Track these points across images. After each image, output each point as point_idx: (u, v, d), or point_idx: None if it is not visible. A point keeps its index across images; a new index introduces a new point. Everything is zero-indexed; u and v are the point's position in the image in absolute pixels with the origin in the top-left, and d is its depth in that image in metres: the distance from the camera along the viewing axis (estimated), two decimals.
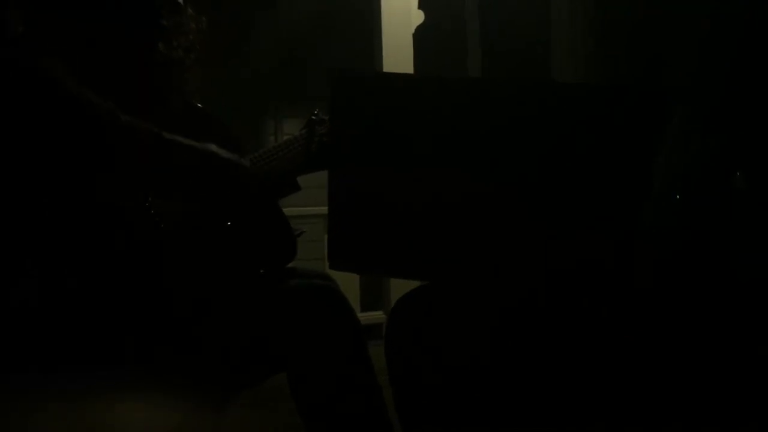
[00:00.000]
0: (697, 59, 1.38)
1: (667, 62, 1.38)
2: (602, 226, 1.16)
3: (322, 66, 5.22)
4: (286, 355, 1.41)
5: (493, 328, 1.28)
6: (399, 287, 1.39)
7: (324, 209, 1.30)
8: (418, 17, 4.16)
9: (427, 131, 1.18)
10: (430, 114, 1.18)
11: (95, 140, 1.26)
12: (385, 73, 3.23)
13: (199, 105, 1.58)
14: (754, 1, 1.27)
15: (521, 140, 1.16)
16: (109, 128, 1.26)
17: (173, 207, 1.39)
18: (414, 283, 1.42)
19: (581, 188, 1.15)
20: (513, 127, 1.16)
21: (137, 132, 1.29)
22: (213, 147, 1.37)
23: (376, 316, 4.25)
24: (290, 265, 1.54)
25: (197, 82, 1.62)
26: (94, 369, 1.29)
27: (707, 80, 1.37)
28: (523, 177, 1.16)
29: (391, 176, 1.20)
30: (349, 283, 3.48)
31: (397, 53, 4.09)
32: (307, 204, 2.02)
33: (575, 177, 1.15)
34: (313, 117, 1.58)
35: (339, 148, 1.24)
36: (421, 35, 4.23)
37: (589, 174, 1.15)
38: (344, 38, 5.33)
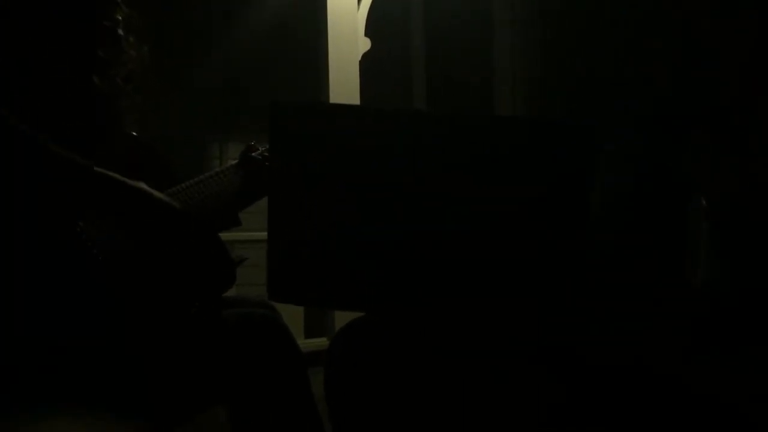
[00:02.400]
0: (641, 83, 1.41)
1: (612, 93, 1.41)
2: (539, 261, 1.17)
3: (268, 91, 5.21)
4: (224, 387, 1.39)
5: (433, 359, 1.28)
6: (344, 314, 1.39)
7: (265, 234, 1.29)
8: (365, 44, 4.19)
9: (366, 162, 1.18)
10: (369, 145, 1.18)
11: (24, 170, 1.24)
12: (324, 103, 3.24)
13: (135, 134, 1.56)
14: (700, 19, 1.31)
15: (457, 174, 1.17)
16: (38, 160, 1.24)
17: (107, 233, 1.36)
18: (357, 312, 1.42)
19: (517, 223, 1.17)
20: (448, 160, 1.17)
21: (66, 164, 1.26)
22: (144, 186, 1.35)
23: (320, 342, 4.22)
24: (232, 292, 1.53)
25: (137, 110, 1.60)
26: (19, 403, 1.25)
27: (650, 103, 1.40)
28: (459, 211, 1.17)
29: (330, 207, 1.19)
30: (292, 310, 3.45)
31: (344, 80, 4.11)
32: (250, 229, 2.00)
33: (511, 210, 1.17)
34: (250, 146, 1.58)
35: (278, 179, 1.23)
36: (367, 63, 4.25)
37: (524, 207, 1.17)
38: (291, 64, 5.34)
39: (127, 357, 1.33)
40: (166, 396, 1.37)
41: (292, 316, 1.51)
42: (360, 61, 4.17)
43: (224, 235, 1.55)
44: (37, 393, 1.27)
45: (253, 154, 1.62)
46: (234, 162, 1.64)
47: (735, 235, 1.23)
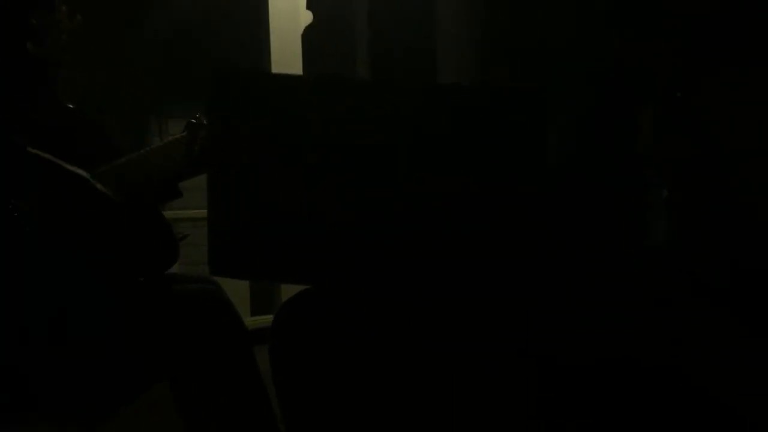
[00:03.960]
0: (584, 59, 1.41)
1: (549, 62, 1.41)
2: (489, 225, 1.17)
3: (209, 65, 5.12)
4: (167, 363, 1.36)
5: (380, 333, 1.27)
6: (290, 290, 1.38)
7: (206, 212, 1.26)
8: (307, 17, 4.14)
9: (308, 132, 1.16)
10: (311, 115, 1.16)
11: None
12: (266, 71, 3.19)
13: (71, 106, 1.52)
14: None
15: (403, 142, 1.16)
16: None
17: (44, 213, 1.32)
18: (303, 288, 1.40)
19: (466, 190, 1.16)
20: (393, 129, 1.16)
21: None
22: (84, 173, 1.32)
23: (267, 320, 4.18)
24: (173, 270, 1.50)
25: (75, 80, 1.56)
26: None
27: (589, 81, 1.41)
28: (405, 180, 1.16)
29: (271, 178, 1.17)
30: (238, 287, 3.42)
31: (286, 53, 4.06)
32: (189, 207, 1.97)
33: (459, 179, 1.16)
34: (194, 120, 1.55)
35: (218, 149, 1.21)
36: (309, 36, 4.20)
37: (473, 175, 1.16)
38: (231, 37, 5.25)
39: (66, 334, 1.30)
40: (108, 374, 1.35)
41: (238, 292, 1.50)
42: (302, 35, 4.12)
43: (166, 213, 1.52)
44: None
45: (198, 126, 1.58)
46: (179, 135, 1.60)
47: (690, 212, 1.23)
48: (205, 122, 1.57)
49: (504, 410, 1.21)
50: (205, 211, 1.25)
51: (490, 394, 1.21)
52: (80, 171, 1.32)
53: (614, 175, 1.34)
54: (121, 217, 1.36)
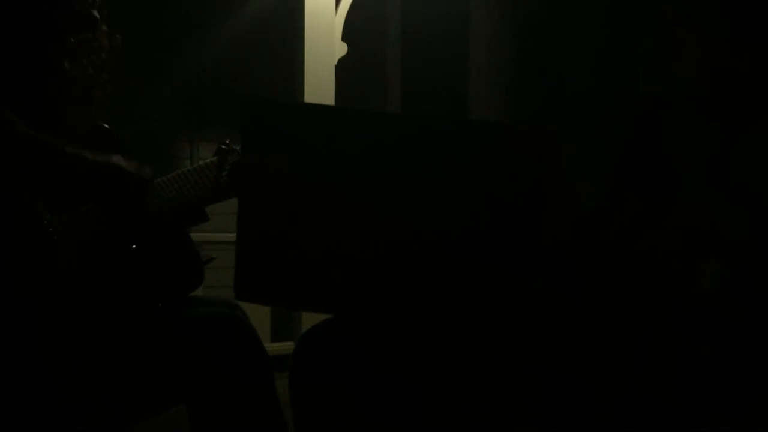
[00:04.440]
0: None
1: (584, 96, 1.41)
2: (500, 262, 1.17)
3: (243, 94, 5.19)
4: (186, 385, 1.36)
5: (401, 364, 1.27)
6: (311, 317, 1.38)
7: (234, 236, 1.28)
8: (342, 49, 4.18)
9: (339, 164, 1.17)
10: (341, 146, 1.17)
11: None
12: (298, 102, 3.22)
13: (106, 126, 1.54)
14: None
15: (429, 177, 1.17)
16: (5, 136, 1.22)
17: (76, 228, 1.34)
18: (324, 316, 1.40)
19: (480, 224, 1.16)
20: (420, 163, 1.17)
21: (35, 143, 1.25)
22: (117, 158, 1.34)
23: (287, 346, 4.18)
24: (198, 293, 1.50)
25: (107, 101, 1.58)
26: None
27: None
28: (428, 214, 1.16)
29: (300, 208, 1.18)
30: (259, 313, 3.42)
31: (319, 84, 4.09)
32: (218, 230, 1.99)
33: (474, 212, 1.16)
34: (224, 146, 1.56)
35: (249, 177, 1.22)
36: (343, 67, 4.24)
37: (486, 209, 1.16)
38: (267, 67, 5.32)
39: (86, 350, 1.31)
40: (127, 393, 1.35)
41: (259, 319, 1.50)
42: (336, 66, 4.16)
43: (193, 235, 1.53)
44: None
45: (228, 152, 1.60)
46: (208, 160, 1.62)
47: None
48: (234, 148, 1.59)
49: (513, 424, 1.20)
50: (232, 235, 1.26)
51: (503, 415, 1.21)
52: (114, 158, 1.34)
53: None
54: (151, 235, 1.37)
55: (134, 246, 1.38)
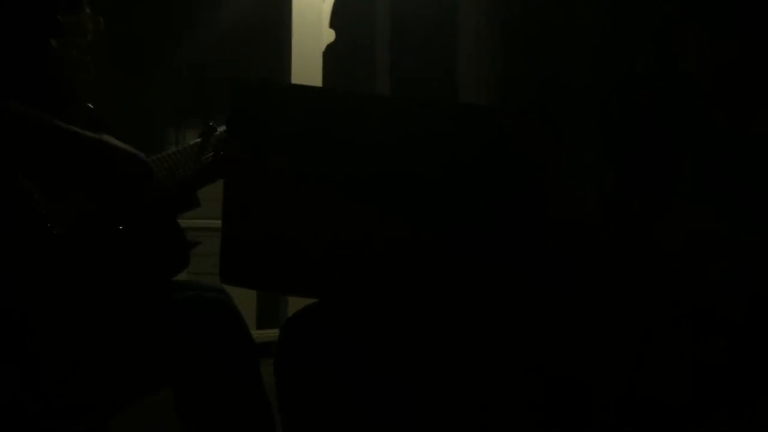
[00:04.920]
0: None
1: (570, 83, 1.40)
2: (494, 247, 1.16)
3: (229, 80, 5.16)
4: (172, 368, 1.35)
5: (386, 347, 1.27)
6: (296, 304, 1.37)
7: (220, 222, 1.27)
8: (329, 36, 4.16)
9: (326, 145, 1.16)
10: (330, 127, 1.16)
11: None
12: (288, 83, 3.21)
13: (90, 106, 1.53)
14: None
15: (415, 158, 1.16)
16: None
17: (62, 208, 1.32)
18: (309, 301, 1.39)
19: (472, 207, 1.16)
20: (408, 145, 1.16)
21: (27, 118, 1.24)
22: (108, 137, 1.33)
23: (273, 333, 4.16)
24: (183, 278, 1.49)
25: (93, 83, 1.56)
26: None
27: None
28: (416, 195, 1.16)
29: (286, 190, 1.17)
30: (245, 300, 3.41)
31: (307, 71, 4.07)
32: (204, 216, 1.98)
33: (466, 195, 1.16)
34: (209, 127, 1.55)
35: (235, 159, 1.21)
36: (331, 54, 4.23)
37: (479, 193, 1.16)
38: (253, 53, 5.29)
39: (76, 334, 1.30)
40: (112, 377, 1.34)
41: (245, 305, 1.49)
42: (324, 53, 4.14)
43: (179, 221, 1.52)
44: None
45: (214, 133, 1.59)
46: (192, 142, 1.61)
47: None
48: (217, 128, 1.58)
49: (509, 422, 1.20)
50: (217, 221, 1.25)
51: (494, 408, 1.21)
52: (105, 136, 1.33)
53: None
54: (149, 175, 1.37)
55: (120, 227, 1.37)
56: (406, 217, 1.16)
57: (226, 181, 1.22)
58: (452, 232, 1.16)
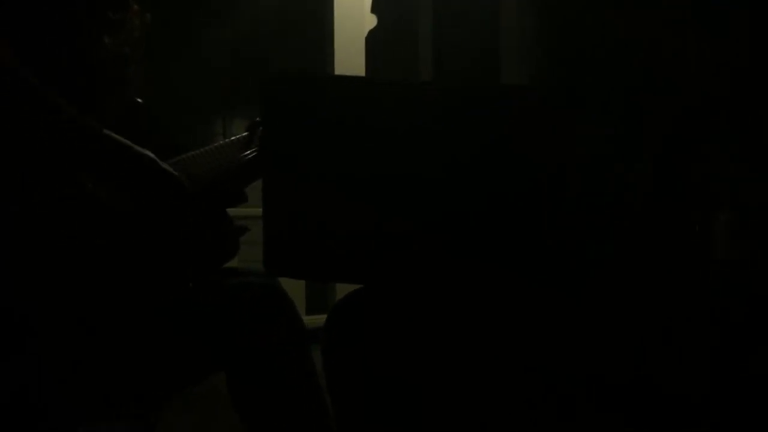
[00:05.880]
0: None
1: (615, 67, 1.39)
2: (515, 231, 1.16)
3: (273, 68, 5.19)
4: (224, 353, 1.38)
5: (432, 333, 1.28)
6: (345, 290, 1.39)
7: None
8: (371, 21, 4.16)
9: (362, 133, 1.17)
10: (363, 116, 1.17)
11: (33, 126, 1.25)
12: (315, 74, 3.21)
13: (139, 100, 1.56)
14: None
15: (456, 145, 1.16)
16: (48, 116, 1.25)
17: (112, 198, 1.36)
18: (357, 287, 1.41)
19: (500, 191, 1.16)
20: (444, 132, 1.16)
21: (75, 122, 1.27)
22: (150, 154, 1.35)
23: (322, 319, 4.21)
24: (233, 265, 1.52)
25: (141, 78, 1.59)
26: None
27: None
28: (459, 186, 1.16)
29: (325, 179, 1.19)
30: (294, 286, 3.45)
31: (350, 57, 4.09)
32: (252, 205, 2.00)
33: (495, 179, 1.16)
34: (255, 122, 1.57)
35: (272, 150, 1.23)
36: (373, 39, 4.23)
37: (503, 175, 1.16)
38: (297, 40, 5.32)
39: (129, 321, 1.33)
40: (167, 362, 1.38)
41: (294, 291, 1.52)
42: (366, 38, 4.15)
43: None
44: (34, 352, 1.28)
45: (257, 127, 1.61)
46: (240, 136, 1.63)
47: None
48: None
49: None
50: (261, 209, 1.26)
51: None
52: (149, 153, 1.35)
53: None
54: (187, 202, 1.38)
55: (168, 215, 1.39)
56: (447, 202, 1.16)
57: (265, 173, 1.24)
58: (494, 222, 1.16)
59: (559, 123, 1.19)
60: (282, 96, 1.21)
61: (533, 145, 1.16)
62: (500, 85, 1.57)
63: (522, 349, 1.23)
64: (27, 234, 1.29)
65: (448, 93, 1.20)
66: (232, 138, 1.62)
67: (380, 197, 1.17)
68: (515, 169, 1.16)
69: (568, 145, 1.18)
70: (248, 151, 1.54)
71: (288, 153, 1.20)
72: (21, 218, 1.28)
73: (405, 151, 1.16)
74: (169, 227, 1.38)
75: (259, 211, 1.20)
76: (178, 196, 1.37)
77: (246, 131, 1.60)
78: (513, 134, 1.16)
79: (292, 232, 1.22)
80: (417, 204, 1.16)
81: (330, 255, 1.21)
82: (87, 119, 1.29)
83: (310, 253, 1.22)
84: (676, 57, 1.30)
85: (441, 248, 1.17)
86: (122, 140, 1.32)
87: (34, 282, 1.28)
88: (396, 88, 1.22)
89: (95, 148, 1.30)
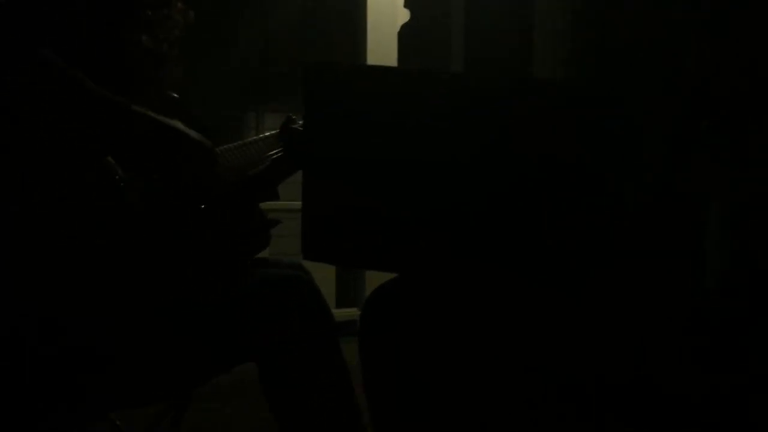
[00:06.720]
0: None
1: (644, 62, 1.38)
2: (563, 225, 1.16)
3: (305, 61, 5.21)
4: (255, 343, 1.40)
5: (465, 323, 1.28)
6: (374, 284, 1.40)
7: (295, 204, 1.30)
8: (404, 15, 4.16)
9: (402, 123, 1.18)
10: (402, 107, 1.18)
11: (59, 102, 1.26)
12: (358, 64, 3.22)
13: (175, 95, 1.57)
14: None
15: (490, 135, 1.17)
16: (75, 91, 1.26)
17: (141, 185, 1.37)
18: (388, 277, 1.42)
19: (542, 189, 1.16)
20: (483, 123, 1.17)
21: (103, 99, 1.28)
22: (180, 124, 1.36)
23: (351, 312, 4.25)
24: (264, 256, 1.54)
25: (179, 75, 1.61)
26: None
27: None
28: (494, 175, 1.16)
29: (365, 168, 1.20)
30: (324, 279, 3.48)
31: (382, 51, 4.09)
32: (284, 198, 2.02)
33: (538, 175, 1.16)
34: (288, 119, 1.58)
35: (312, 138, 1.24)
36: (406, 34, 4.22)
37: (548, 171, 1.16)
38: (330, 35, 5.33)
39: (162, 309, 1.35)
40: (199, 350, 1.39)
41: (324, 284, 1.53)
42: (399, 33, 4.14)
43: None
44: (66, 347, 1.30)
45: (293, 126, 1.62)
46: (273, 132, 1.64)
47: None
48: (298, 121, 1.61)
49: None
50: (294, 203, 1.28)
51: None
52: (178, 123, 1.36)
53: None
54: (214, 163, 1.40)
55: (203, 206, 1.41)
56: (485, 191, 1.17)
57: (304, 162, 1.25)
58: (528, 207, 1.17)
59: (571, 120, 1.19)
60: (325, 82, 1.22)
61: (542, 141, 1.16)
62: (534, 78, 1.57)
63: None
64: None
65: (484, 84, 1.20)
66: (266, 134, 1.63)
67: (417, 186, 1.18)
68: (525, 164, 1.16)
69: (574, 143, 1.17)
70: (279, 149, 1.56)
71: (328, 139, 1.22)
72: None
73: (444, 140, 1.17)
74: (201, 217, 1.39)
75: (290, 204, 1.21)
76: (209, 165, 1.38)
77: (280, 128, 1.61)
78: (542, 127, 1.16)
79: (331, 219, 1.23)
80: (454, 193, 1.17)
81: (367, 242, 1.22)
82: (116, 97, 1.30)
83: (347, 240, 1.24)
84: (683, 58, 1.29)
85: (480, 241, 1.18)
86: (151, 114, 1.33)
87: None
88: (436, 78, 1.22)
89: (125, 125, 1.31)
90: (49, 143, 1.28)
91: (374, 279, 1.43)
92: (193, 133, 1.37)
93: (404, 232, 1.19)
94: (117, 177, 1.32)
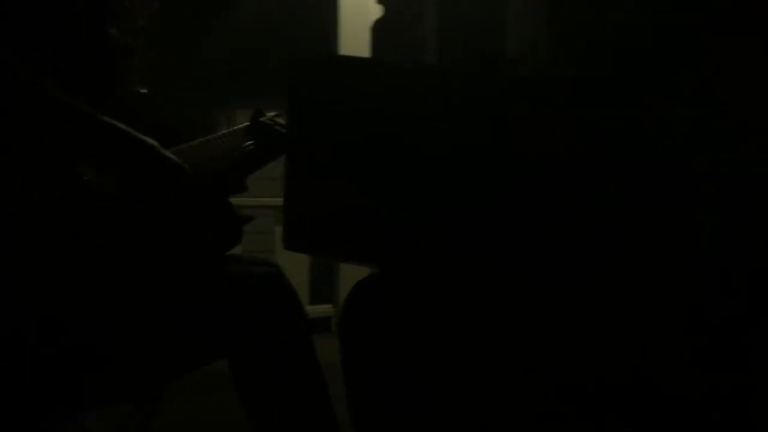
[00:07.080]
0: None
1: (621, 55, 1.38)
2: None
3: (277, 58, 5.19)
4: (227, 340, 1.39)
5: (446, 319, 1.27)
6: (348, 280, 1.38)
7: (274, 200, 1.29)
8: (377, 11, 4.15)
9: (384, 116, 1.18)
10: (388, 99, 1.18)
11: (28, 114, 1.24)
12: (343, 56, 3.21)
13: (143, 90, 1.55)
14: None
15: (472, 129, 1.17)
16: (37, 100, 1.24)
17: (113, 185, 1.35)
18: (363, 273, 1.41)
19: (530, 181, 1.16)
20: (463, 116, 1.17)
21: (68, 108, 1.26)
22: (151, 141, 1.34)
23: (325, 309, 4.23)
24: (236, 252, 1.52)
25: (145, 68, 1.59)
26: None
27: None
28: (474, 167, 1.16)
29: (347, 161, 1.19)
30: (297, 276, 3.46)
31: (355, 47, 4.07)
32: (257, 195, 2.01)
33: (525, 168, 1.16)
34: (259, 110, 1.57)
35: (296, 130, 1.23)
36: (379, 29, 4.22)
37: (537, 164, 1.16)
38: (301, 31, 5.31)
39: (130, 306, 1.33)
40: (171, 347, 1.38)
41: (297, 281, 1.52)
42: (371, 28, 4.14)
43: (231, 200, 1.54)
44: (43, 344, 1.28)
45: (262, 119, 1.61)
46: (242, 125, 1.62)
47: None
48: (268, 114, 1.60)
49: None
50: (274, 200, 1.27)
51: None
52: (150, 140, 1.34)
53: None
54: (189, 187, 1.37)
55: (171, 202, 1.39)
56: (466, 184, 1.17)
57: (287, 154, 1.24)
58: (511, 200, 1.17)
59: (562, 118, 1.19)
60: (309, 74, 1.22)
61: (532, 140, 1.16)
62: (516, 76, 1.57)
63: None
64: (27, 234, 1.28)
65: (472, 79, 1.20)
66: (235, 128, 1.62)
67: (400, 180, 1.18)
68: (515, 164, 1.16)
69: (568, 142, 1.17)
70: (250, 142, 1.54)
71: (311, 131, 1.21)
72: (21, 218, 1.28)
73: (427, 135, 1.17)
74: (170, 215, 1.38)
75: (266, 201, 1.20)
76: (180, 182, 1.36)
77: (249, 121, 1.59)
78: (526, 123, 1.16)
79: (313, 211, 1.22)
80: (435, 189, 1.17)
81: (348, 235, 1.22)
82: (85, 106, 1.28)
83: (328, 233, 1.23)
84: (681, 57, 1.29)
85: (455, 235, 1.17)
86: (122, 126, 1.31)
87: (34, 282, 1.27)
88: (421, 72, 1.22)
89: (94, 134, 1.29)
90: (24, 147, 1.26)
91: (348, 276, 1.42)
92: (165, 152, 1.34)
93: (385, 226, 1.19)
94: (86, 179, 1.30)
